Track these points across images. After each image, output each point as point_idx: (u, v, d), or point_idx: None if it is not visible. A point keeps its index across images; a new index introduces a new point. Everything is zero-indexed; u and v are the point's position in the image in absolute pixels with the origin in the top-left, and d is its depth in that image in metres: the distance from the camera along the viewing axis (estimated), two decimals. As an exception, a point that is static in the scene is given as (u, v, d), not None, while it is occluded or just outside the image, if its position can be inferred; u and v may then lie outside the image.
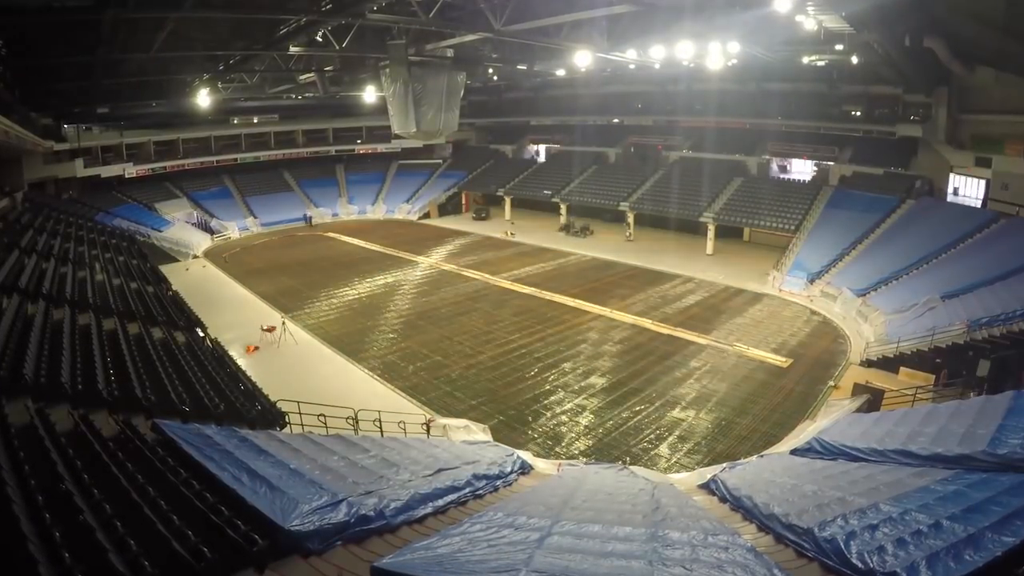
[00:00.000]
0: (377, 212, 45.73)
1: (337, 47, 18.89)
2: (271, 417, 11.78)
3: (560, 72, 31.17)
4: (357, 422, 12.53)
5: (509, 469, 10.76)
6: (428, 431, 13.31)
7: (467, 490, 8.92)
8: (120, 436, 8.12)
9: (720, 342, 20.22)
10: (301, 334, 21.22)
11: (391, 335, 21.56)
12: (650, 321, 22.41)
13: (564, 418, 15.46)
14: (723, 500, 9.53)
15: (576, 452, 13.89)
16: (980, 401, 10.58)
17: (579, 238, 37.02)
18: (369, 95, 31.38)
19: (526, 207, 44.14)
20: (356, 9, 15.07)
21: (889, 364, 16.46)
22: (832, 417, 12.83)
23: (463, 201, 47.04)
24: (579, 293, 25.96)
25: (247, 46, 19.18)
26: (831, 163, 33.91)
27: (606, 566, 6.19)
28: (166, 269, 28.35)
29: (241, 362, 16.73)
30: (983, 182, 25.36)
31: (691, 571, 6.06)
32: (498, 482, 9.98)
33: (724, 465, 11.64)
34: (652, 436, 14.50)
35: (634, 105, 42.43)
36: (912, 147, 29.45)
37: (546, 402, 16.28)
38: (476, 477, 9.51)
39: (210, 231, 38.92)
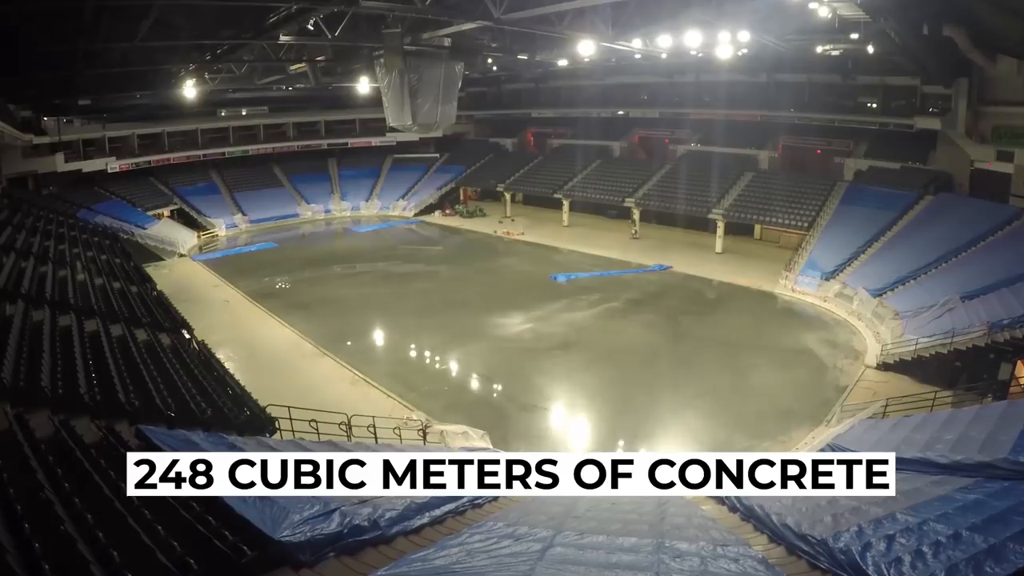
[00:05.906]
0: (371, 209, 45.05)
1: (329, 36, 18.44)
2: (260, 423, 11.58)
3: (562, 62, 30.59)
4: (350, 428, 12.25)
5: (510, 476, 10.46)
6: (425, 437, 13.06)
7: (465, 499, 8.62)
8: (102, 443, 7.92)
9: (728, 344, 19.79)
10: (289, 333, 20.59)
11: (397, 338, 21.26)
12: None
13: (564, 421, 15.21)
14: (733, 510, 9.26)
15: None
16: (1002, 406, 10.26)
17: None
18: (363, 86, 30.69)
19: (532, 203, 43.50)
20: (349, -4, 14.62)
21: (906, 367, 16.12)
22: (846, 423, 12.53)
23: (461, 197, 46.52)
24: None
25: (235, 35, 18.73)
26: (846, 157, 33.20)
27: (611, 578, 5.94)
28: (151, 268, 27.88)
29: (229, 365, 16.38)
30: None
31: (700, 583, 5.84)
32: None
33: (733, 473, 11.31)
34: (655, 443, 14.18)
35: (640, 97, 41.87)
36: (930, 140, 28.65)
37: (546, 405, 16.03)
38: (475, 485, 9.20)
39: (196, 228, 38.08)
